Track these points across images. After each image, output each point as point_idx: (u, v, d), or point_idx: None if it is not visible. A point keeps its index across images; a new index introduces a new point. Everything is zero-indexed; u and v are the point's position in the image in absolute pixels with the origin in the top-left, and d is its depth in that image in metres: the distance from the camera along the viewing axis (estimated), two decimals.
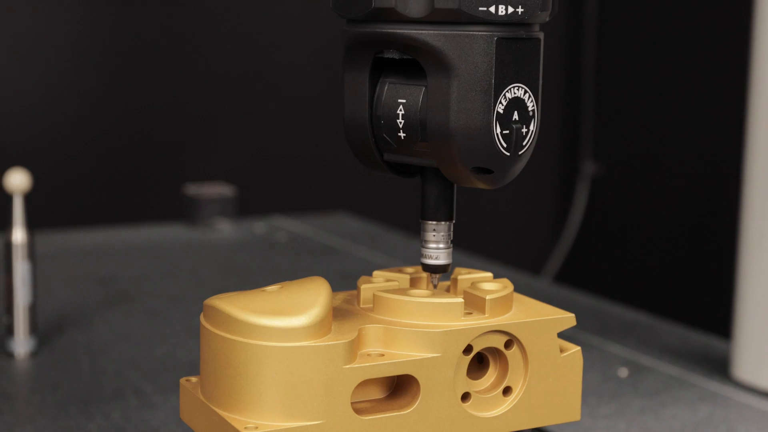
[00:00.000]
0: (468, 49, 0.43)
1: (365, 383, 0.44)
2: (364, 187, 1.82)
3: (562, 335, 0.48)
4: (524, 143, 0.46)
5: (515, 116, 0.45)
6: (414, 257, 1.18)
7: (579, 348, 0.47)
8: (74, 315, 0.95)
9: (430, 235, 0.47)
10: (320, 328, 0.42)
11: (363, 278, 0.48)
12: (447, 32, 0.43)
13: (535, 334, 0.46)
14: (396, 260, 1.17)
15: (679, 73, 1.90)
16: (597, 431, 0.71)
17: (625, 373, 0.83)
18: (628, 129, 2.03)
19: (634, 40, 2.02)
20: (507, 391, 0.46)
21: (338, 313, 0.45)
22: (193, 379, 0.46)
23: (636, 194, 2.01)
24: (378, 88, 0.46)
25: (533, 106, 0.46)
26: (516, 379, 0.46)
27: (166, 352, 0.85)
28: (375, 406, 0.44)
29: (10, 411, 0.72)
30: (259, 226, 1.35)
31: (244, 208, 1.37)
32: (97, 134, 1.70)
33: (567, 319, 0.46)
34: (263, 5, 1.79)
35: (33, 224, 0.85)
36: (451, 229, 0.48)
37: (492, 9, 0.43)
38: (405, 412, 0.44)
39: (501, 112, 0.44)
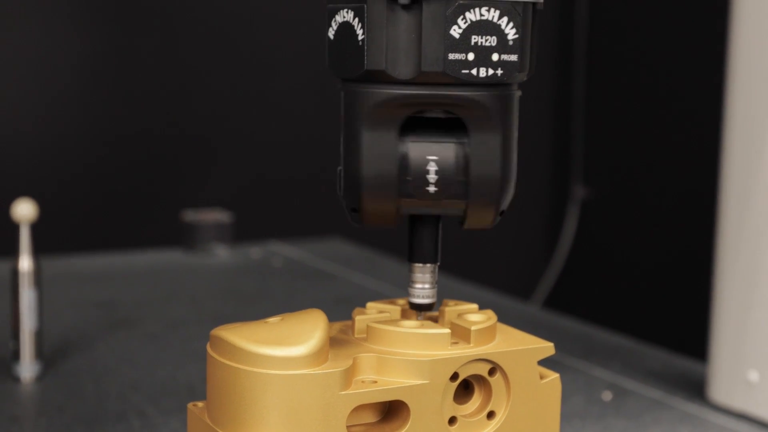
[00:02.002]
0: (511, 107, 0.49)
1: (359, 408, 0.48)
2: None
3: (544, 362, 0.52)
4: None
5: None
6: (407, 282, 1.22)
7: (557, 375, 0.51)
8: (77, 339, 0.98)
9: (418, 276, 0.51)
10: (318, 356, 0.46)
11: (357, 309, 0.52)
12: (496, 93, 0.48)
13: (517, 362, 0.50)
14: (389, 285, 1.21)
15: (666, 102, 1.95)
16: None
17: (609, 396, 0.86)
18: (617, 155, 2.07)
19: (622, 71, 2.07)
20: (491, 415, 0.50)
21: (334, 343, 0.49)
22: (200, 404, 0.50)
23: (624, 218, 2.05)
24: (400, 146, 0.49)
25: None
26: (499, 404, 0.50)
27: (167, 375, 0.89)
28: (368, 429, 0.48)
29: None
30: (256, 252, 1.38)
31: (240, 233, 1.40)
32: (94, 161, 1.73)
33: (546, 348, 0.50)
34: (257, 36, 1.83)
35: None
36: (436, 271, 0.52)
37: (474, 71, 0.47)
38: None
39: None
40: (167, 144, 1.77)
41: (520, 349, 0.50)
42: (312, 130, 1.87)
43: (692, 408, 0.84)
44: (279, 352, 0.46)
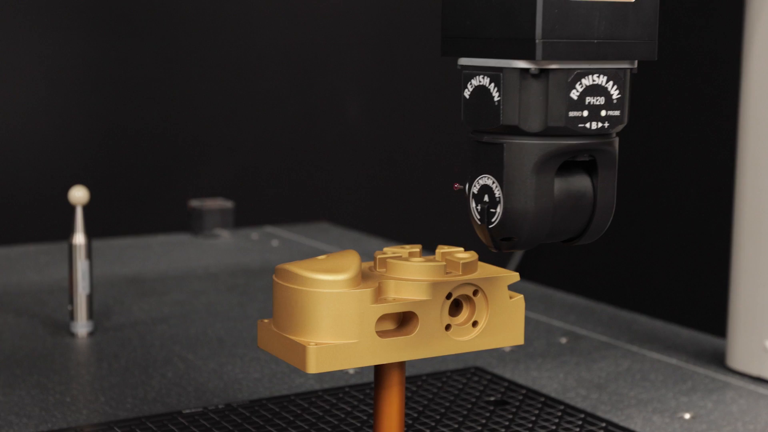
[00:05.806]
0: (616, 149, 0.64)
1: (383, 317, 0.70)
2: (342, 201, 2.06)
3: (512, 287, 0.75)
4: None
5: None
6: None
7: (522, 296, 0.74)
8: (115, 305, 1.20)
9: None
10: (354, 281, 0.69)
11: (377, 252, 0.75)
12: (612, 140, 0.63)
13: (493, 285, 0.72)
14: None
15: (663, 110, 2.08)
16: (542, 380, 0.97)
17: (565, 340, 1.10)
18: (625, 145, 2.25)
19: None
20: (475, 323, 0.73)
21: (364, 274, 0.72)
22: (266, 320, 0.73)
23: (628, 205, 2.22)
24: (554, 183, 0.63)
25: None
26: (481, 315, 0.73)
27: (199, 331, 1.10)
28: (389, 333, 0.71)
29: (88, 374, 0.97)
30: (255, 234, 1.61)
31: (240, 219, 1.60)
32: (110, 157, 1.90)
33: (513, 276, 0.73)
34: (252, 38, 1.99)
35: (88, 231, 1.09)
36: None
37: (587, 125, 0.63)
38: (409, 336, 0.70)
39: None
40: (174, 140, 1.95)
41: (495, 276, 0.73)
42: (303, 127, 2.06)
43: (633, 347, 1.07)
44: (328, 277, 0.68)
